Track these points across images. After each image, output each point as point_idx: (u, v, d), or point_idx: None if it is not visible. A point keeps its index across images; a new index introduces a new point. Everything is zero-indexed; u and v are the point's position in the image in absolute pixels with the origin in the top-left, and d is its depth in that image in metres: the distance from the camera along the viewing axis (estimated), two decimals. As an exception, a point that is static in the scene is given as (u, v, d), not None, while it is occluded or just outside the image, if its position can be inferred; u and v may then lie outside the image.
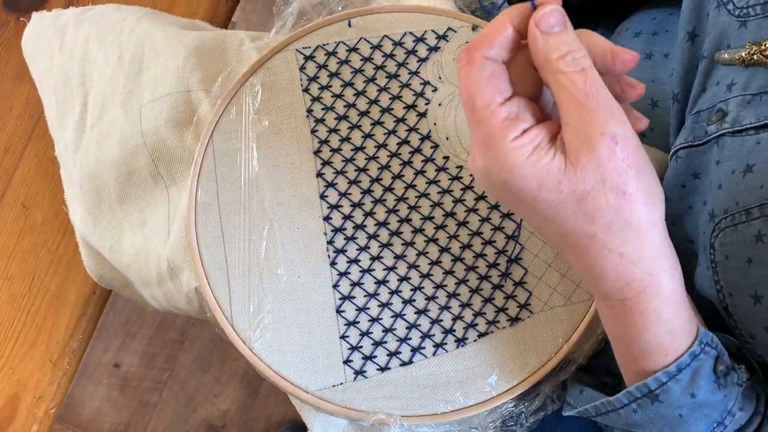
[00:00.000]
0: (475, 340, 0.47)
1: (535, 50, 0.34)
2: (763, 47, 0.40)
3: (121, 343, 1.27)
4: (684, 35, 0.47)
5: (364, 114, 0.50)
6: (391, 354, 0.47)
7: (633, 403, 0.40)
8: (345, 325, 0.47)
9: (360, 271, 0.48)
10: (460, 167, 0.50)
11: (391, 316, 0.47)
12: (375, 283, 0.48)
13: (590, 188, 0.33)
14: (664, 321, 0.37)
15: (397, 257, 0.48)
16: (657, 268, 0.36)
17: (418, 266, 0.48)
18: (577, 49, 0.33)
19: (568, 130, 0.33)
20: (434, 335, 0.47)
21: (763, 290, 0.39)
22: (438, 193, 0.49)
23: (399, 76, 0.51)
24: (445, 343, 0.47)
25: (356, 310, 0.47)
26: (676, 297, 0.37)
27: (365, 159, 0.50)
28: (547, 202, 0.34)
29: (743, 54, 0.41)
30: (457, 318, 0.47)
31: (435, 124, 0.50)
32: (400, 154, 0.50)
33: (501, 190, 0.35)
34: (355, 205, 0.49)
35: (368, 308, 0.47)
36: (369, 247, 0.48)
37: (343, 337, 0.47)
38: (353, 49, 0.51)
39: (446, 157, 0.50)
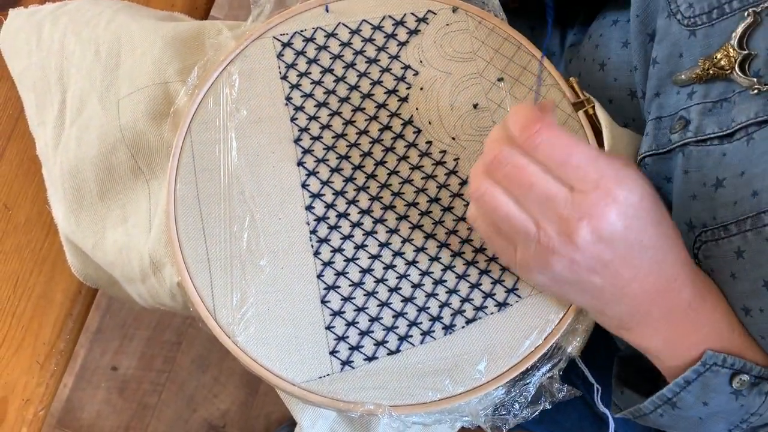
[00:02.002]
0: (463, 327, 0.46)
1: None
2: (714, 60, 0.40)
3: (119, 345, 1.26)
4: (645, 37, 0.47)
5: (344, 100, 0.49)
6: (378, 343, 0.46)
7: (658, 409, 0.44)
8: (330, 315, 0.46)
9: (344, 261, 0.47)
10: (444, 152, 0.49)
11: (378, 305, 0.47)
12: (360, 272, 0.47)
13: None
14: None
15: (382, 245, 0.47)
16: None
17: (404, 253, 0.47)
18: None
19: None
20: (421, 323, 0.46)
21: (750, 303, 0.39)
22: (422, 178, 0.48)
23: (379, 60, 0.50)
24: (433, 331, 0.46)
25: (341, 299, 0.47)
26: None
27: (347, 146, 0.49)
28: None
29: (698, 71, 0.41)
30: (444, 305, 0.47)
31: (417, 108, 0.49)
32: (382, 140, 0.49)
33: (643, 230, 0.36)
34: (338, 194, 0.48)
35: (354, 298, 0.47)
36: (353, 236, 0.47)
37: (328, 327, 0.46)
38: (331, 35, 0.50)
39: (429, 142, 0.49)
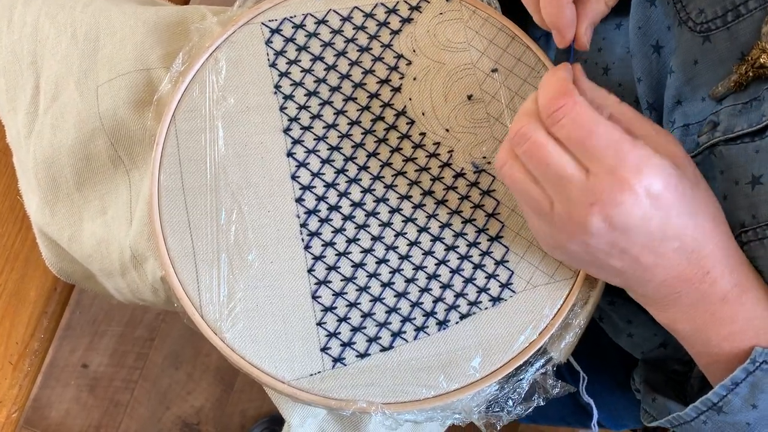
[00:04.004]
0: (457, 322, 0.45)
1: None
2: (751, 61, 0.39)
3: (89, 342, 1.23)
4: (648, 48, 0.46)
5: (335, 89, 0.48)
6: (371, 339, 0.45)
7: (701, 416, 0.41)
8: (321, 311, 0.45)
9: (336, 255, 0.46)
10: (437, 143, 0.48)
11: (370, 300, 0.45)
12: (352, 266, 0.46)
13: None
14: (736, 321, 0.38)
15: (375, 239, 0.46)
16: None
17: (397, 247, 0.46)
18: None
19: None
20: (415, 318, 0.45)
21: None
22: (415, 171, 0.47)
23: (371, 49, 0.48)
24: (427, 326, 0.45)
25: (333, 295, 0.45)
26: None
27: (338, 137, 0.47)
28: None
29: (735, 78, 0.40)
30: (438, 300, 0.46)
31: (410, 99, 0.48)
32: (374, 131, 0.47)
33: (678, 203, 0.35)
34: (329, 186, 0.47)
35: (345, 293, 0.45)
36: (345, 229, 0.46)
37: (319, 323, 0.45)
38: (322, 22, 0.48)
39: (423, 134, 0.48)
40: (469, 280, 0.46)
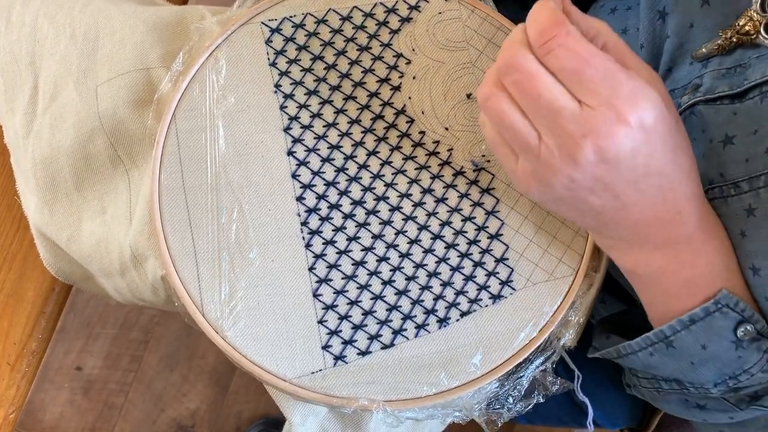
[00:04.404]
0: (457, 320, 0.46)
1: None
2: (737, 27, 0.39)
3: (83, 344, 1.23)
4: (654, 14, 0.46)
5: (335, 88, 0.48)
6: (372, 337, 0.45)
7: (650, 347, 0.42)
8: (323, 309, 0.45)
9: (336, 253, 0.46)
10: (437, 142, 0.48)
11: (371, 298, 0.45)
12: (353, 264, 0.46)
13: None
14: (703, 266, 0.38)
15: (375, 237, 0.46)
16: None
17: (397, 245, 0.46)
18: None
19: None
20: (416, 316, 0.45)
21: (760, 263, 0.38)
22: (415, 169, 0.47)
23: (371, 48, 0.49)
24: (427, 324, 0.45)
25: (334, 293, 0.45)
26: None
27: (338, 135, 0.47)
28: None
29: (719, 42, 0.40)
30: (438, 297, 0.46)
31: (410, 98, 0.48)
32: (374, 129, 0.48)
33: (667, 137, 0.35)
34: (329, 184, 0.47)
35: (346, 291, 0.45)
36: (345, 228, 0.46)
37: (321, 321, 0.45)
38: (322, 21, 0.49)
39: (422, 132, 0.48)
40: (469, 278, 0.46)
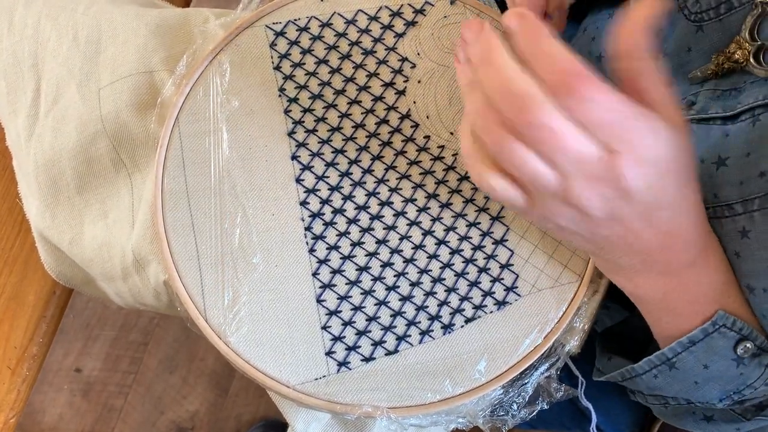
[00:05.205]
0: (462, 326, 0.45)
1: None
2: (728, 54, 0.40)
3: (83, 346, 1.22)
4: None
5: (339, 92, 0.48)
6: (376, 343, 0.45)
7: (654, 370, 0.43)
8: (326, 314, 0.45)
9: (340, 258, 0.46)
10: (442, 147, 0.47)
11: (375, 304, 0.45)
12: (357, 270, 0.46)
13: None
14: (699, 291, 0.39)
15: (379, 242, 0.46)
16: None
17: (401, 251, 0.46)
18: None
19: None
20: (420, 322, 0.45)
21: (755, 283, 0.39)
22: (420, 174, 0.47)
23: (375, 52, 0.48)
24: (432, 330, 0.45)
25: (338, 298, 0.45)
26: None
27: (342, 140, 0.47)
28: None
29: (712, 67, 0.41)
30: (443, 303, 0.45)
31: (415, 102, 0.48)
32: (379, 134, 0.47)
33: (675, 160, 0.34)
34: (333, 189, 0.46)
35: (350, 296, 0.45)
36: (349, 233, 0.46)
37: (324, 327, 0.45)
38: (326, 24, 0.48)
39: (427, 137, 0.48)
40: (474, 284, 0.46)
